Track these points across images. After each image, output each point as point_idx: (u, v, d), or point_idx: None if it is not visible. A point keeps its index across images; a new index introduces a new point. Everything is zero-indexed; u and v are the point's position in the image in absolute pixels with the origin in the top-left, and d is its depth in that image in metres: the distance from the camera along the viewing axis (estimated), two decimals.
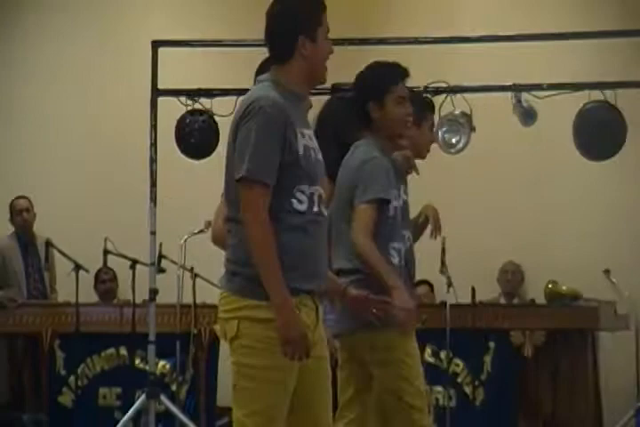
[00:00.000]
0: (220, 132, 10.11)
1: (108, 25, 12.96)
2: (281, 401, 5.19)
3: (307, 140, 5.31)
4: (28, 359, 11.24)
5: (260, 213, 5.14)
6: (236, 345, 5.20)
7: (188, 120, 10.18)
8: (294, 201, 5.23)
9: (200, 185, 11.35)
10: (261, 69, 6.14)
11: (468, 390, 10.48)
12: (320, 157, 5.41)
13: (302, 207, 5.25)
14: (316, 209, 5.29)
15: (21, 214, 11.74)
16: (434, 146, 8.92)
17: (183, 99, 10.12)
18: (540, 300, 10.99)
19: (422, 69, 10.05)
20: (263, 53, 10.64)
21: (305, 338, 5.04)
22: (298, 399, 5.25)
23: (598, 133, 9.69)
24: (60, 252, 11.40)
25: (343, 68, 9.82)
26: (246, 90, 9.99)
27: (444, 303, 9.72)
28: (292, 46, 5.35)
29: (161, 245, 10.04)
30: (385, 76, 6.55)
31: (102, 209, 11.91)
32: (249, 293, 5.17)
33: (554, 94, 9.68)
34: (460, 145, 10.02)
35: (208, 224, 10.15)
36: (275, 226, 5.14)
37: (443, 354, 10.34)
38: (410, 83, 9.16)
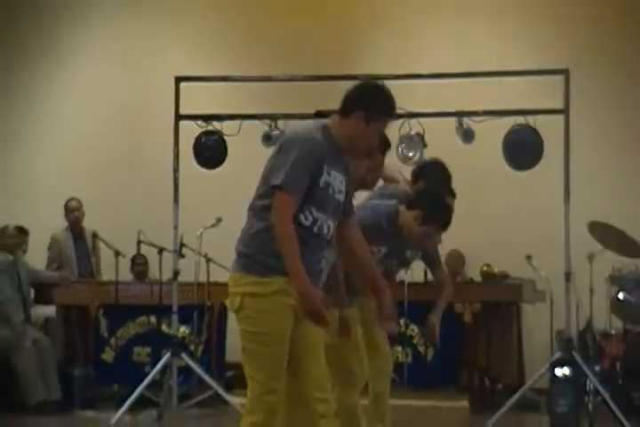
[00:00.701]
0: (228, 148, 10.22)
1: (136, 63, 13.05)
2: (280, 358, 5.25)
3: (331, 178, 5.29)
4: (79, 325, 11.30)
5: (287, 220, 5.14)
6: (240, 316, 5.26)
7: (203, 139, 10.27)
8: (301, 216, 5.22)
9: (212, 190, 11.45)
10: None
11: (421, 349, 10.58)
12: (339, 196, 5.36)
13: (307, 223, 5.24)
14: (316, 230, 5.27)
15: (73, 213, 11.82)
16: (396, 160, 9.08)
17: (199, 122, 10.19)
18: (477, 279, 11.07)
19: None
20: (263, 86, 10.80)
21: (320, 310, 5.09)
22: (292, 355, 5.29)
23: (521, 150, 9.79)
24: (104, 242, 11.51)
25: (325, 98, 9.90)
26: (248, 115, 10.17)
27: (402, 282, 9.72)
28: (352, 111, 5.39)
29: (182, 236, 10.08)
30: None
31: (136, 208, 11.98)
32: (252, 270, 5.20)
33: (488, 119, 9.75)
34: (416, 158, 10.07)
35: (218, 220, 10.26)
36: None
37: (402, 321, 10.40)
38: None
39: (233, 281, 5.31)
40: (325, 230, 5.33)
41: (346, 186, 5.41)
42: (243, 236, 5.33)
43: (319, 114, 9.74)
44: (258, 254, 5.22)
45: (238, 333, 5.31)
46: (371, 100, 5.48)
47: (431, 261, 7.32)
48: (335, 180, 5.33)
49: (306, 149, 5.22)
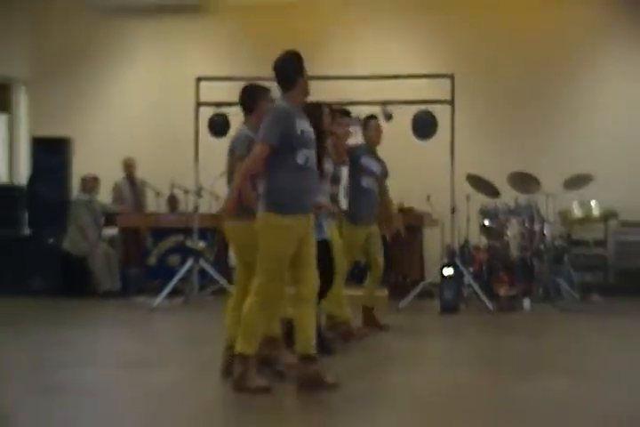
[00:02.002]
0: (231, 124, 10.15)
1: (171, 67, 12.92)
2: (284, 263, 5.30)
3: (303, 125, 5.33)
4: (133, 241, 11.34)
5: (259, 158, 5.20)
6: (260, 239, 5.28)
7: (215, 118, 10.23)
8: (298, 157, 5.26)
9: (219, 152, 11.24)
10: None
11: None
12: (311, 135, 5.38)
13: (301, 162, 5.27)
14: (308, 164, 5.30)
15: (129, 167, 11.78)
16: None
17: (212, 107, 10.16)
18: (395, 212, 11.08)
19: (334, 92, 10.13)
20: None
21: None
22: (296, 258, 5.34)
23: (423, 126, 9.81)
24: (150, 186, 11.54)
25: None
26: None
27: None
28: (295, 82, 5.50)
29: (200, 183, 10.08)
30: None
31: (171, 164, 11.60)
32: (273, 210, 5.26)
33: (402, 106, 9.76)
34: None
35: (222, 173, 10.18)
36: (286, 170, 5.22)
37: None
38: (327, 99, 9.24)
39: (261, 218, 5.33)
40: (312, 162, 5.35)
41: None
42: (261, 188, 5.36)
43: None
44: (270, 197, 5.28)
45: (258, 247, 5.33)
46: (302, 67, 5.50)
47: None
48: (305, 125, 5.37)
49: (274, 113, 5.36)
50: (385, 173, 8.21)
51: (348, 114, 7.66)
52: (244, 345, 5.32)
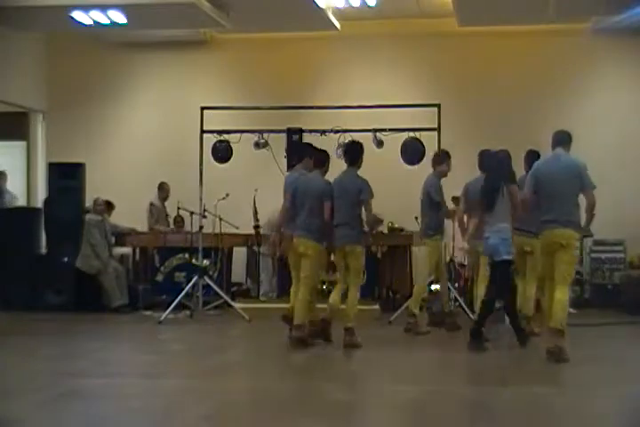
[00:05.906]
0: (233, 150, 10.20)
1: (178, 98, 12.98)
2: None
3: None
4: (142, 259, 11.36)
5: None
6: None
7: (217, 145, 10.25)
8: None
9: (222, 176, 11.36)
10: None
11: None
12: None
13: None
14: None
15: (168, 189, 11.82)
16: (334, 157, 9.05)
17: (215, 134, 10.20)
18: (386, 231, 11.10)
19: (330, 120, 10.18)
20: (254, 112, 10.61)
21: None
22: None
23: (411, 152, 9.84)
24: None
25: (292, 120, 9.95)
26: (245, 130, 10.05)
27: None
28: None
29: (204, 204, 10.10)
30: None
31: (178, 187, 11.76)
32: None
33: (391, 133, 9.81)
34: None
35: (227, 195, 10.24)
36: None
37: None
38: (323, 127, 9.22)
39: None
40: None
41: None
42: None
43: (289, 130, 9.80)
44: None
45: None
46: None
47: None
48: None
49: None
50: None
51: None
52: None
